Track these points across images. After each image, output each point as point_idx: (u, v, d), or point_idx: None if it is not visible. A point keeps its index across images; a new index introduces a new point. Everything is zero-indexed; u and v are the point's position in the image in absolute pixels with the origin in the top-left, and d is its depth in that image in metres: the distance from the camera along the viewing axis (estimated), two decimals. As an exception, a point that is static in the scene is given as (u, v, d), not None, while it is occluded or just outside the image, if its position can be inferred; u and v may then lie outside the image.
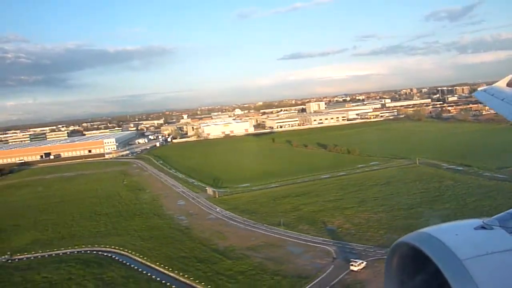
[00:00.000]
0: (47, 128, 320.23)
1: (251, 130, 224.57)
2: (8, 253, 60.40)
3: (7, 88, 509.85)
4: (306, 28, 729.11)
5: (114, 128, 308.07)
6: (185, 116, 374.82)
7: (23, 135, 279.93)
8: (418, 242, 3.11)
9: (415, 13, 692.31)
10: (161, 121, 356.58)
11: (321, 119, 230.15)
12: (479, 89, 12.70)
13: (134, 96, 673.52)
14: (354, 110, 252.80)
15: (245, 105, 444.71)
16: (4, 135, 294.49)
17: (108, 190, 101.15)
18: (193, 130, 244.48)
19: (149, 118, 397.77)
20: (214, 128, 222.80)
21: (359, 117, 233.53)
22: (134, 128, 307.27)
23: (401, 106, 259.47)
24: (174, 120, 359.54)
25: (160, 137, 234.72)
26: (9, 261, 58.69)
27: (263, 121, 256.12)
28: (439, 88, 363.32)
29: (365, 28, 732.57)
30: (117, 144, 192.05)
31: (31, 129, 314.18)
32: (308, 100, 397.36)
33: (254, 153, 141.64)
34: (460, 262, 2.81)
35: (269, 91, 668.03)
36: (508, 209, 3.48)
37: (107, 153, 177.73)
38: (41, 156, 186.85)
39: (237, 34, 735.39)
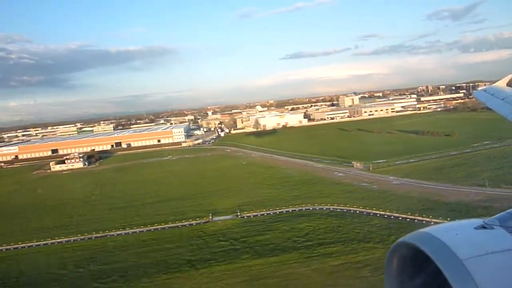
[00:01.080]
0: (77, 124, 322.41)
1: (305, 121, 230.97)
2: (238, 211, 66.23)
3: (9, 89, 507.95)
4: (308, 28, 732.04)
5: (123, 127, 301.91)
6: (209, 113, 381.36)
7: (69, 128, 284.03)
8: (418, 242, 3.12)
9: (418, 13, 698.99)
10: (187, 118, 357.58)
11: (371, 111, 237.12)
12: (479, 88, 12.70)
13: (135, 96, 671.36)
14: (399, 103, 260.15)
15: (266, 103, 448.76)
16: (47, 130, 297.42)
17: (236, 169, 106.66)
18: (242, 122, 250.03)
19: (161, 116, 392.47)
20: (269, 120, 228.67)
21: (405, 109, 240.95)
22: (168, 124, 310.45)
23: (433, 100, 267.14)
24: (199, 117, 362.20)
25: (213, 129, 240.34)
26: (240, 217, 64.46)
27: (310, 114, 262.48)
28: (458, 85, 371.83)
29: (367, 28, 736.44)
30: (184, 134, 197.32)
31: (77, 123, 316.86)
32: (321, 98, 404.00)
33: (350, 137, 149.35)
34: (461, 262, 2.81)
35: (270, 90, 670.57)
36: (509, 209, 3.45)
37: (183, 142, 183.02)
38: (112, 146, 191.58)
39: (238, 34, 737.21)
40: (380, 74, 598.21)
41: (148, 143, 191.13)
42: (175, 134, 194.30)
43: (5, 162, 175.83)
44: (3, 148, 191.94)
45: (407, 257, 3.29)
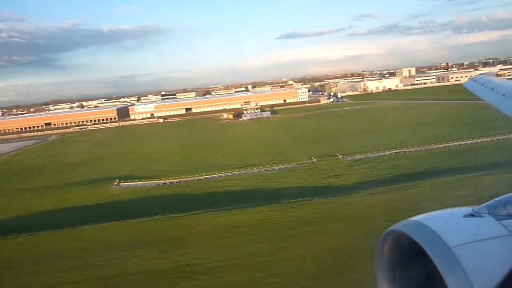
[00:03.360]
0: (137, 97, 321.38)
1: (401, 86, 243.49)
2: None
3: None
4: (303, 7, 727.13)
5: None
6: (213, 92, 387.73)
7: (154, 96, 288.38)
8: (409, 230, 3.16)
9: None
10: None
11: (457, 77, 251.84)
12: (469, 78, 12.83)
13: (127, 77, 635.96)
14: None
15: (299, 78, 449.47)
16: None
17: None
18: (331, 89, 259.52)
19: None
20: (371, 84, 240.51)
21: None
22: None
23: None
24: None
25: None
26: None
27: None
28: (485, 61, 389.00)
29: (362, 7, 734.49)
30: (307, 94, 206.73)
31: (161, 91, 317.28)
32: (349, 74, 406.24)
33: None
34: (449, 249, 2.86)
35: (263, 71, 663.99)
36: (497, 197, 3.50)
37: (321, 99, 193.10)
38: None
39: (233, 13, 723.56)
40: (372, 54, 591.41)
41: (274, 102, 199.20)
42: (299, 94, 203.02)
43: (143, 118, 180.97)
44: (139, 107, 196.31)
45: (397, 245, 3.34)
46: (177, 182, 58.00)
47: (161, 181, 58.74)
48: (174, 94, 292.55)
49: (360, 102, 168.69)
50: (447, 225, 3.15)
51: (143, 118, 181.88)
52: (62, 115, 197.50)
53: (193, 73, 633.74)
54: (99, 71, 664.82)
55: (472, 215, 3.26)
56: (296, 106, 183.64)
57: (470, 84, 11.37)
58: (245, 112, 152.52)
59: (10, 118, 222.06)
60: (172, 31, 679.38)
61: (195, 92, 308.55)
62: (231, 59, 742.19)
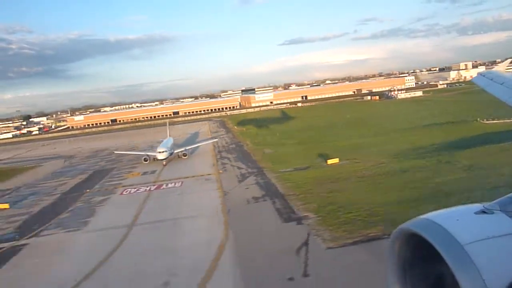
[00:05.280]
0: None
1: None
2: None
3: (7, 80, 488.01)
4: (307, 13, 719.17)
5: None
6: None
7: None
8: (419, 228, 3.09)
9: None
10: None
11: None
12: (478, 73, 12.40)
13: (132, 86, 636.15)
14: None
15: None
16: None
17: None
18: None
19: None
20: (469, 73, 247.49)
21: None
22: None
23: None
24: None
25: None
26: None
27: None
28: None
29: (366, 12, 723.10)
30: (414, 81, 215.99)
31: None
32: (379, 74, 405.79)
33: None
34: (461, 247, 2.79)
35: (268, 77, 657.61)
36: (509, 193, 3.43)
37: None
38: (354, 92, 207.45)
39: (238, 20, 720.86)
40: (377, 58, 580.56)
41: (383, 89, 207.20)
42: (407, 82, 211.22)
43: (262, 106, 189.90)
44: (260, 95, 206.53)
45: (408, 243, 3.26)
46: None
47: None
48: (253, 90, 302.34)
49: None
50: (458, 222, 3.06)
51: (261, 106, 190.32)
52: (187, 105, 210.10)
53: (198, 81, 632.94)
54: (105, 80, 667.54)
55: (483, 212, 3.17)
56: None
57: (479, 79, 11.17)
58: (392, 93, 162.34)
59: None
60: (178, 39, 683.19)
61: (272, 87, 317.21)
62: (235, 66, 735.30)
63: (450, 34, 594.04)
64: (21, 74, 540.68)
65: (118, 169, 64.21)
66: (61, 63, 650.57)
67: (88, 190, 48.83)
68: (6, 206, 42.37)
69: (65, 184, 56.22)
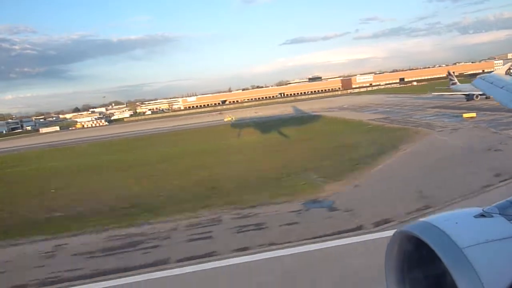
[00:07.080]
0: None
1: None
2: None
3: (9, 81, 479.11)
4: (309, 12, 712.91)
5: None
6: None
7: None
8: (418, 231, 3.03)
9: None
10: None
11: None
12: (477, 77, 11.65)
13: (133, 86, 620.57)
14: None
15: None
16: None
17: None
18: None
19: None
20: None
21: None
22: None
23: None
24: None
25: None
26: None
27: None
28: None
29: (367, 11, 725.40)
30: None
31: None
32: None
33: None
34: (460, 250, 2.72)
35: (268, 77, 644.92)
36: (508, 197, 3.31)
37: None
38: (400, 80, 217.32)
39: (240, 20, 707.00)
40: (378, 58, 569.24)
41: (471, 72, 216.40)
42: (496, 65, 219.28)
43: (362, 87, 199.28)
44: (361, 77, 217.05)
45: (407, 247, 3.22)
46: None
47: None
48: (320, 78, 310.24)
49: None
50: (457, 225, 2.97)
51: (362, 87, 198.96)
52: (295, 86, 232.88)
53: (200, 81, 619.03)
54: (107, 80, 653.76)
55: (482, 215, 3.08)
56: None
57: (479, 82, 10.88)
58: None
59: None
60: (180, 39, 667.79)
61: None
62: (237, 66, 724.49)
63: (451, 33, 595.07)
64: (23, 75, 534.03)
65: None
66: (63, 63, 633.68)
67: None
68: (473, 115, 46.75)
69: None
